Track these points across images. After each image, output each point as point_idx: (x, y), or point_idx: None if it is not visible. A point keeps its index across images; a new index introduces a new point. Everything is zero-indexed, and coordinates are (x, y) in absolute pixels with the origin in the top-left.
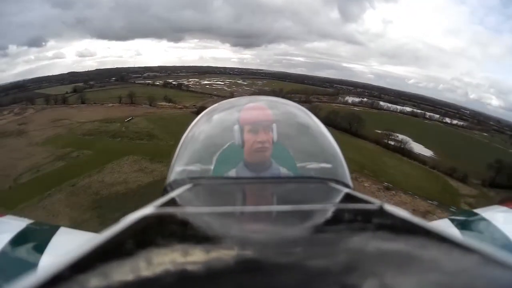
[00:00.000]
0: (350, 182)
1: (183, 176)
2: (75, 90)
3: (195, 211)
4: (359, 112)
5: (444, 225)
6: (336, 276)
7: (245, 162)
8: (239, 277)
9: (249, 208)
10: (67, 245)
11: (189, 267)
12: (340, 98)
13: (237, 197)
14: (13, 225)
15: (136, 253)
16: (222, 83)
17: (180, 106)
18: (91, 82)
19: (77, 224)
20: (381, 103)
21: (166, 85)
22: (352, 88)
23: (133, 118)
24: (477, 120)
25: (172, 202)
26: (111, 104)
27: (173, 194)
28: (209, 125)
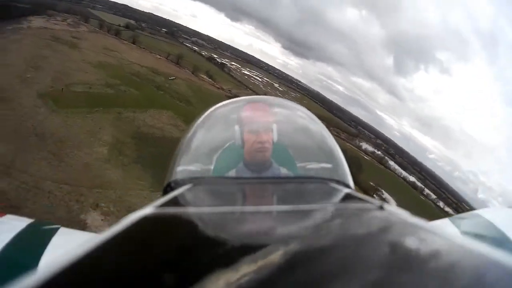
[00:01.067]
0: (350, 182)
1: (183, 176)
2: (127, 27)
3: (195, 211)
4: (365, 161)
5: (444, 225)
6: (337, 276)
7: (245, 162)
8: (239, 277)
9: (249, 208)
10: (67, 245)
11: (190, 267)
12: (357, 141)
13: (237, 197)
14: (13, 225)
15: (136, 253)
16: (260, 79)
17: (218, 86)
18: (143, 24)
19: (116, 144)
20: (391, 162)
21: (210, 59)
22: (373, 137)
23: (176, 79)
24: None
25: (172, 202)
26: (159, 56)
27: (173, 194)
28: (209, 125)
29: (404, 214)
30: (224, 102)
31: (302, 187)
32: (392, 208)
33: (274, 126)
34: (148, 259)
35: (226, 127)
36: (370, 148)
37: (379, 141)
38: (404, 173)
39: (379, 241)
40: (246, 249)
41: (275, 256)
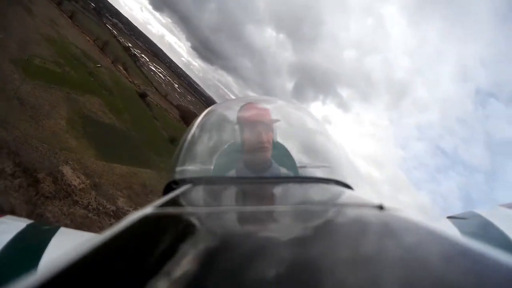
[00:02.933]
0: (350, 183)
1: (183, 176)
2: None
3: (195, 211)
4: None
5: (444, 225)
6: (337, 276)
7: (245, 162)
8: (240, 277)
9: (249, 208)
10: (67, 245)
11: (190, 267)
12: None
13: (237, 197)
14: (13, 225)
15: (136, 253)
16: (163, 77)
17: (130, 80)
18: None
19: (69, 119)
20: None
21: (126, 50)
22: None
23: (101, 66)
24: None
25: (172, 202)
26: (88, 39)
27: (173, 194)
28: (209, 125)
29: (404, 214)
30: (224, 102)
31: (302, 187)
32: (392, 208)
33: (274, 126)
34: (149, 259)
35: (226, 127)
36: None
37: None
38: None
39: (379, 241)
40: (246, 249)
41: (276, 256)
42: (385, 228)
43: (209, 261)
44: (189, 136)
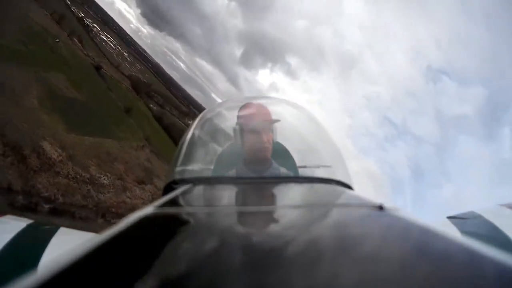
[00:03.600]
0: (350, 183)
1: (183, 176)
2: None
3: (195, 211)
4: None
5: (444, 225)
6: (338, 276)
7: (245, 162)
8: (240, 276)
9: (250, 208)
10: (67, 245)
11: (190, 267)
12: (187, 119)
13: (237, 197)
14: (13, 225)
15: (136, 253)
16: (114, 47)
17: (85, 53)
18: None
19: (40, 98)
20: None
21: (80, 21)
22: None
23: (59, 41)
24: None
25: (172, 202)
26: (46, 12)
27: (173, 194)
28: (209, 125)
29: (404, 214)
30: (224, 102)
31: (302, 187)
32: (392, 208)
33: (274, 126)
34: (149, 259)
35: (226, 127)
36: None
37: None
38: None
39: (379, 241)
40: (247, 249)
41: (276, 256)
42: (385, 228)
43: (209, 261)
44: (189, 136)
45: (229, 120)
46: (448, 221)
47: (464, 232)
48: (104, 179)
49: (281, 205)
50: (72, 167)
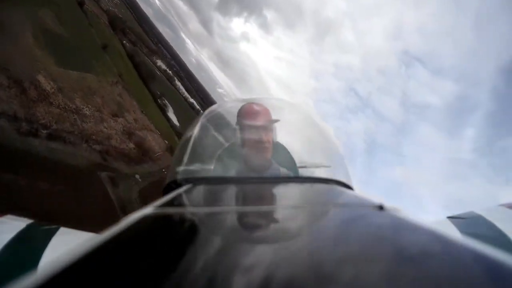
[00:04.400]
0: (350, 183)
1: (183, 176)
2: None
3: (195, 211)
4: (157, 75)
5: (444, 225)
6: (338, 276)
7: (245, 162)
8: (240, 276)
9: (250, 208)
10: (67, 245)
11: (190, 267)
12: (155, 57)
13: (237, 197)
14: (13, 225)
15: (136, 253)
16: None
17: None
18: None
19: (35, 35)
20: (178, 83)
21: None
22: (170, 57)
23: None
24: None
25: (172, 202)
26: None
27: (173, 194)
28: (209, 125)
29: (404, 214)
30: (224, 102)
31: (302, 187)
32: (392, 208)
33: (274, 126)
34: (148, 259)
35: (226, 127)
36: (163, 66)
37: (173, 62)
38: (187, 95)
39: (379, 241)
40: (247, 249)
41: (276, 256)
42: (385, 228)
43: (209, 261)
44: (189, 136)
45: (229, 120)
46: (448, 221)
47: (464, 232)
48: (86, 110)
49: (281, 205)
50: (62, 99)
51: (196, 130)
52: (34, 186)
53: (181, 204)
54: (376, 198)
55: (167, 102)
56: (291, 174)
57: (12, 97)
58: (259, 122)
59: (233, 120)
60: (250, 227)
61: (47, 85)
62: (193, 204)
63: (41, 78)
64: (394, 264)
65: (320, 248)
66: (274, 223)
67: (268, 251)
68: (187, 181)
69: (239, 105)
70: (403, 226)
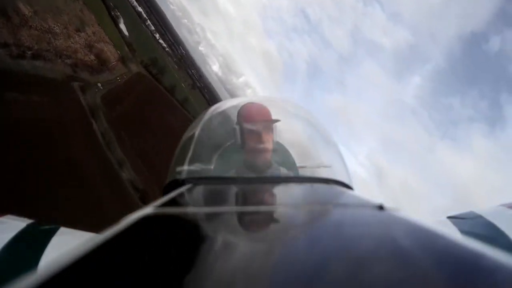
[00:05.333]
0: (350, 183)
1: (183, 176)
2: None
3: (195, 211)
4: None
5: (444, 225)
6: (338, 276)
7: (245, 162)
8: (240, 276)
9: (250, 208)
10: (67, 245)
11: (190, 267)
12: None
13: (237, 197)
14: (13, 225)
15: (136, 253)
16: None
17: None
18: None
19: None
20: None
21: None
22: None
23: None
24: None
25: (172, 202)
26: None
27: (173, 194)
28: (209, 124)
29: (404, 214)
30: (224, 102)
31: (302, 187)
32: (392, 208)
33: (275, 126)
34: (148, 259)
35: (226, 127)
36: None
37: None
38: (135, 3)
39: (379, 241)
40: (247, 249)
41: (276, 256)
42: (386, 228)
43: (209, 261)
44: (189, 136)
45: (229, 120)
46: (448, 221)
47: (464, 232)
48: (57, 28)
49: (281, 205)
50: (38, 21)
51: (196, 130)
52: (30, 100)
53: (181, 204)
54: (376, 198)
55: (119, 14)
56: (291, 174)
57: (1, 26)
58: (259, 122)
59: (233, 119)
60: (250, 227)
61: (25, 10)
62: (193, 204)
63: (19, 4)
64: (394, 264)
65: (321, 248)
66: (274, 223)
67: (268, 251)
68: (187, 181)
69: (239, 104)
70: (403, 226)
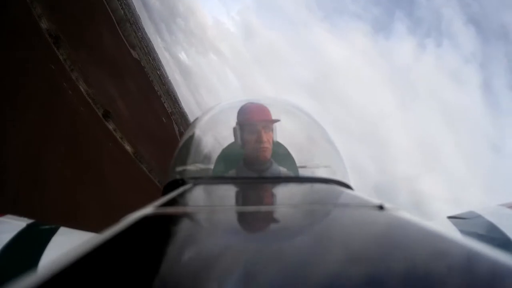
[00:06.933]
0: (350, 183)
1: (183, 176)
2: None
3: (195, 211)
4: None
5: (444, 225)
6: (338, 276)
7: (245, 162)
8: (240, 276)
9: (250, 208)
10: (67, 245)
11: (190, 267)
12: None
13: (237, 197)
14: (13, 225)
15: (136, 253)
16: None
17: None
18: None
19: None
20: None
21: None
22: None
23: None
24: None
25: (172, 202)
26: None
27: (173, 194)
28: (209, 124)
29: (404, 214)
30: (224, 102)
31: (302, 187)
32: (392, 208)
33: (274, 126)
34: (149, 259)
35: (226, 127)
36: None
37: None
38: None
39: (379, 241)
40: (247, 249)
41: (276, 256)
42: (386, 228)
43: (209, 261)
44: (189, 136)
45: (229, 120)
46: (448, 221)
47: (464, 232)
48: None
49: (281, 205)
50: None
51: (196, 130)
52: None
53: (181, 204)
54: (376, 198)
55: None
56: (291, 174)
57: None
58: (259, 122)
59: (233, 119)
60: (250, 226)
61: None
62: (193, 204)
63: None
64: (394, 264)
65: (321, 247)
66: (274, 223)
67: (268, 251)
68: (187, 181)
69: (239, 104)
70: (403, 226)
